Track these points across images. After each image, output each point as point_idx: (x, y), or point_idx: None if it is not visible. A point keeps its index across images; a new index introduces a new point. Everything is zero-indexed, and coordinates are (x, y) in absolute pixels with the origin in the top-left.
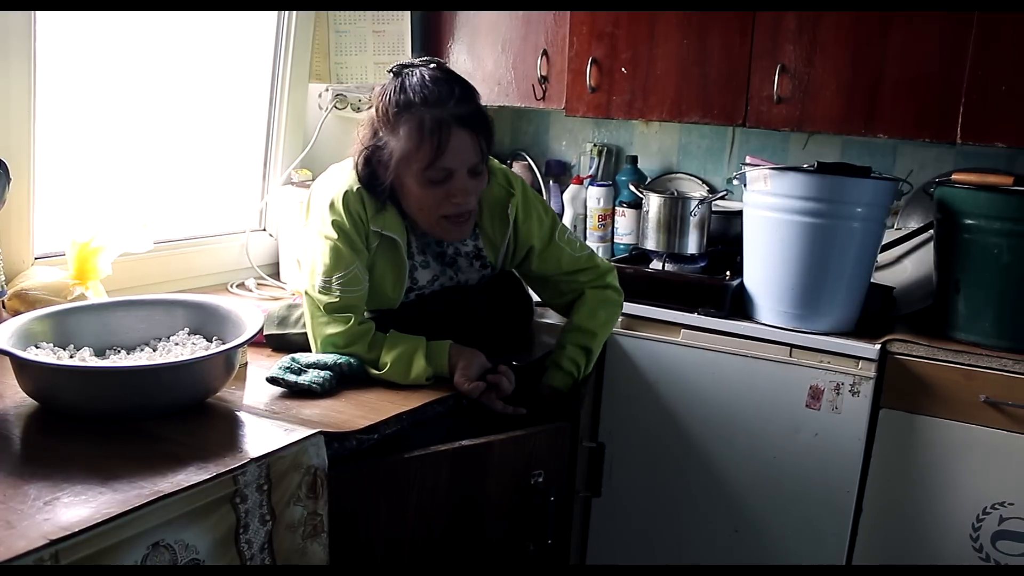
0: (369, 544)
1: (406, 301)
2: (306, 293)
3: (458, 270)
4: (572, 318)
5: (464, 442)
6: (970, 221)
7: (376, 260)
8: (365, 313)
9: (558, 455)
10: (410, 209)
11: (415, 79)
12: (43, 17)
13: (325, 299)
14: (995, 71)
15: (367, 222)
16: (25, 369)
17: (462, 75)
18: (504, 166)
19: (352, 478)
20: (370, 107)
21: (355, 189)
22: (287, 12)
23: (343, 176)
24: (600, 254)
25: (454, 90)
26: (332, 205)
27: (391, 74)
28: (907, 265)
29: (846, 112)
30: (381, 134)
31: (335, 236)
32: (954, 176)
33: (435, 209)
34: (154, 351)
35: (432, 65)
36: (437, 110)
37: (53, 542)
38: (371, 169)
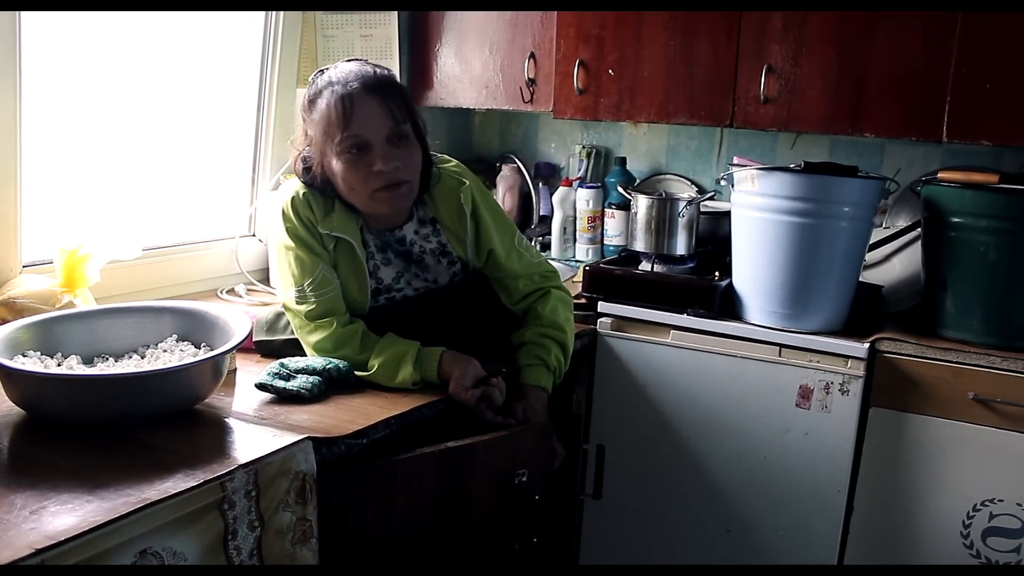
0: (358, 547)
1: (387, 304)
2: (286, 307)
3: (425, 268)
4: (543, 314)
5: (450, 444)
6: (957, 219)
7: (337, 263)
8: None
9: (541, 454)
10: (346, 195)
11: (326, 73)
12: (28, 21)
13: (304, 308)
14: (979, 70)
15: (317, 224)
16: (11, 378)
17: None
18: (459, 162)
19: (340, 482)
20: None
21: (301, 194)
22: (274, 16)
23: (290, 184)
24: (590, 256)
25: (360, 69)
26: (283, 214)
27: (310, 82)
28: (895, 263)
29: (832, 112)
30: (307, 131)
31: (293, 245)
32: (940, 175)
33: (364, 185)
34: (142, 358)
35: (348, 60)
36: (340, 86)
37: (39, 551)
38: (308, 168)
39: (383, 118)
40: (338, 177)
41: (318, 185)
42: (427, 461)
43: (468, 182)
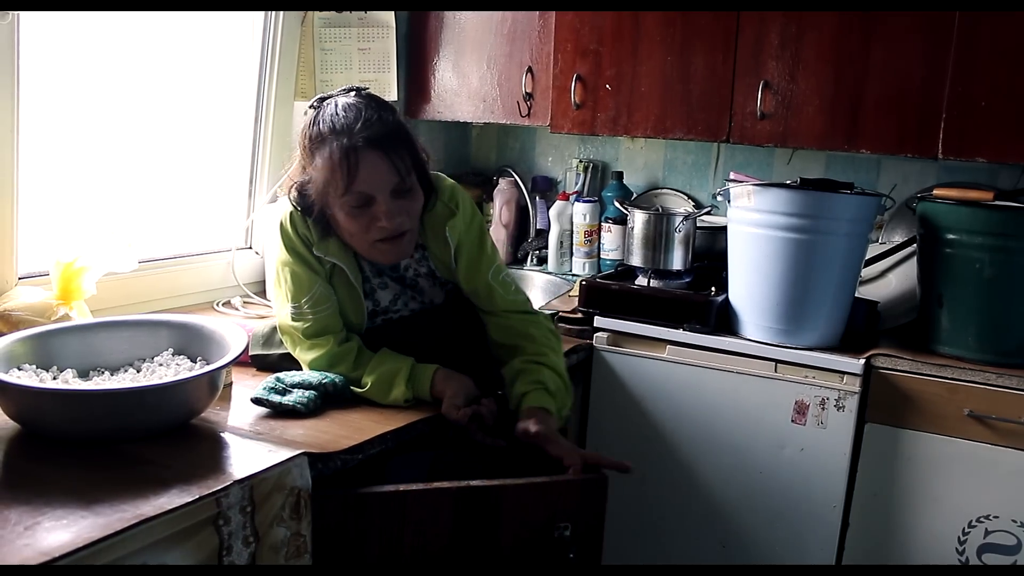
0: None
1: (381, 325)
2: (280, 326)
3: (420, 291)
4: (538, 345)
5: (473, 483)
6: (952, 236)
7: (334, 284)
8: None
9: (591, 509)
10: (346, 239)
11: (328, 110)
12: (27, 33)
13: (300, 325)
14: (975, 88)
15: (313, 245)
16: (6, 392)
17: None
18: (457, 184)
19: (339, 505)
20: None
21: (299, 210)
22: (272, 29)
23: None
24: (586, 270)
25: (363, 113)
26: (281, 229)
27: (311, 108)
28: (892, 279)
29: (829, 128)
30: (306, 167)
31: (290, 260)
32: (935, 191)
33: (364, 235)
34: (138, 372)
35: (351, 93)
36: (345, 137)
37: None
38: (305, 200)
39: (388, 173)
40: (339, 224)
41: (315, 219)
42: (442, 498)
43: (458, 213)
